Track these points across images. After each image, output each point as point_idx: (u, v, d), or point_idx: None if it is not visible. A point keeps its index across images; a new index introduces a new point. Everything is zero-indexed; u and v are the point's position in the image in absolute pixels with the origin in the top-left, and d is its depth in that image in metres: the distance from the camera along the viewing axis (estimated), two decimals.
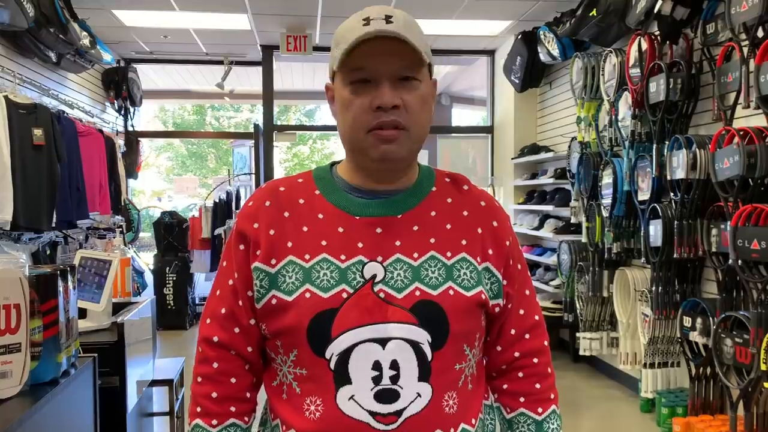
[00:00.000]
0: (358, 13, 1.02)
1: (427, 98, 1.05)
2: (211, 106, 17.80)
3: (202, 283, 7.69)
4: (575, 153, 5.00)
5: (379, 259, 1.02)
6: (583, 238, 4.80)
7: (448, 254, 1.05)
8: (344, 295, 1.00)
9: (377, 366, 0.98)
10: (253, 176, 7.65)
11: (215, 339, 1.07)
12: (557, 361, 4.70)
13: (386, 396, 0.98)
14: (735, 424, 3.21)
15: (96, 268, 2.37)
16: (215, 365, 1.07)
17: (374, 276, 1.01)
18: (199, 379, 1.08)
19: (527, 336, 1.14)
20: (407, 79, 1.01)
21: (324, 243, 1.03)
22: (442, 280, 1.03)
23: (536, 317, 1.16)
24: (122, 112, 7.01)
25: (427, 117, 1.06)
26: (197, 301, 7.51)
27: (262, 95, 7.07)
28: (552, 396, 1.16)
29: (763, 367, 2.91)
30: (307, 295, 1.00)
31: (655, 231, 3.81)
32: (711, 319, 3.41)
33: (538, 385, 1.14)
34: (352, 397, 0.98)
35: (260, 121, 7.19)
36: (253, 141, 7.67)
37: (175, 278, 6.98)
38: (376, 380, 0.98)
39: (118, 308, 2.50)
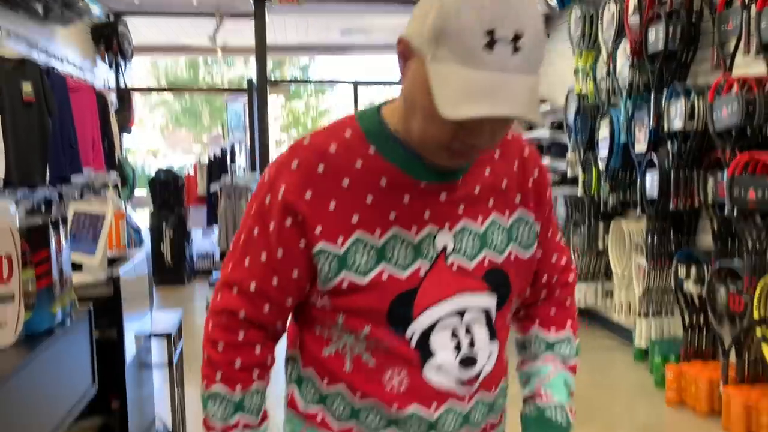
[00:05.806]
0: (478, 8, 0.81)
1: None
2: (204, 61, 17.51)
3: (200, 240, 7.72)
4: (572, 104, 4.96)
5: (447, 227, 0.98)
6: (579, 191, 4.79)
7: (507, 214, 1.03)
8: (421, 274, 0.96)
9: (455, 334, 0.99)
10: (248, 132, 7.59)
11: (242, 314, 1.00)
12: None
13: (468, 361, 0.99)
14: (727, 371, 3.26)
15: (90, 221, 2.35)
16: (240, 336, 1.00)
17: (445, 247, 0.98)
18: (221, 347, 1.01)
19: (556, 278, 1.15)
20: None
21: (393, 215, 0.96)
22: (505, 244, 1.02)
23: (564, 258, 1.16)
24: (113, 66, 6.90)
25: None
26: (195, 258, 7.53)
27: (255, 50, 6.95)
28: (568, 323, 1.14)
29: (755, 314, 2.94)
30: (384, 276, 0.95)
31: (652, 182, 3.80)
32: (706, 267, 3.43)
33: (553, 310, 1.14)
34: (439, 368, 0.98)
35: (254, 77, 7.09)
36: (246, 97, 7.58)
37: (171, 235, 6.99)
38: (457, 348, 0.99)
39: (113, 262, 2.50)
